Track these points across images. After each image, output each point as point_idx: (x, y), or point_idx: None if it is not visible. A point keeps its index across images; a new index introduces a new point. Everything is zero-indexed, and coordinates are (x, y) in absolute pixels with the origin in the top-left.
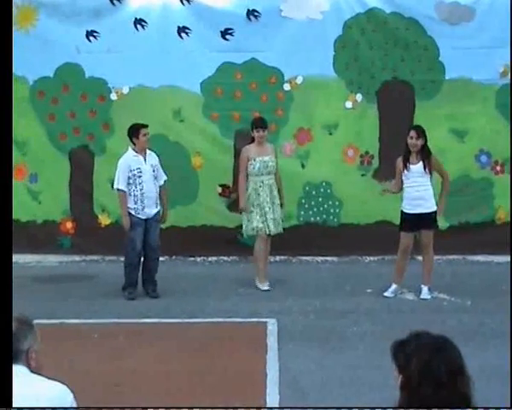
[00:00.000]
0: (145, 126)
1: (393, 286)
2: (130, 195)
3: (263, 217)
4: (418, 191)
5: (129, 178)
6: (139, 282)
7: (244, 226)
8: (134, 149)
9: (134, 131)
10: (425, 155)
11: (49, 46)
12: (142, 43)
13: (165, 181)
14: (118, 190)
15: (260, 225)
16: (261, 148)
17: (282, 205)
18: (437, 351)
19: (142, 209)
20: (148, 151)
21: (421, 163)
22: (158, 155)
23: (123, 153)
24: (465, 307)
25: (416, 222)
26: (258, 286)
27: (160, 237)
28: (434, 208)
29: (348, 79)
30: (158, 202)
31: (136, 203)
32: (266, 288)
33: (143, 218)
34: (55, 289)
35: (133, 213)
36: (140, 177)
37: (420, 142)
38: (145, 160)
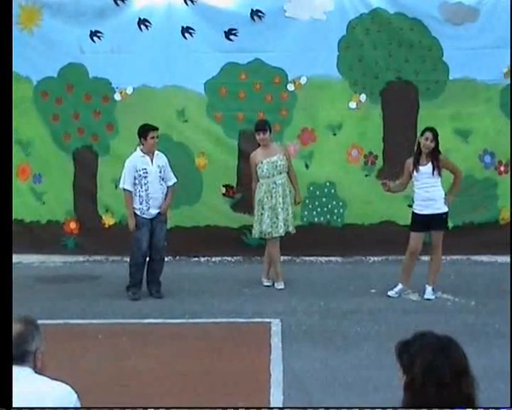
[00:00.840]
0: (155, 129)
1: (399, 286)
2: (135, 195)
3: (274, 219)
4: (427, 192)
5: (135, 178)
6: (143, 282)
7: (255, 228)
8: (142, 150)
9: (143, 132)
10: (434, 156)
11: (53, 46)
12: (146, 43)
13: (174, 183)
14: (123, 189)
15: (269, 230)
16: (267, 150)
17: (298, 202)
18: (441, 351)
19: (147, 210)
20: (156, 152)
21: (430, 164)
22: (167, 157)
23: (128, 153)
24: (469, 308)
25: (427, 222)
26: (275, 286)
27: (165, 239)
28: (445, 209)
29: (352, 79)
30: (162, 202)
31: (141, 204)
32: (280, 287)
33: (149, 218)
34: (58, 290)
35: (138, 213)
36: (145, 177)
37: (434, 144)
38: (152, 161)
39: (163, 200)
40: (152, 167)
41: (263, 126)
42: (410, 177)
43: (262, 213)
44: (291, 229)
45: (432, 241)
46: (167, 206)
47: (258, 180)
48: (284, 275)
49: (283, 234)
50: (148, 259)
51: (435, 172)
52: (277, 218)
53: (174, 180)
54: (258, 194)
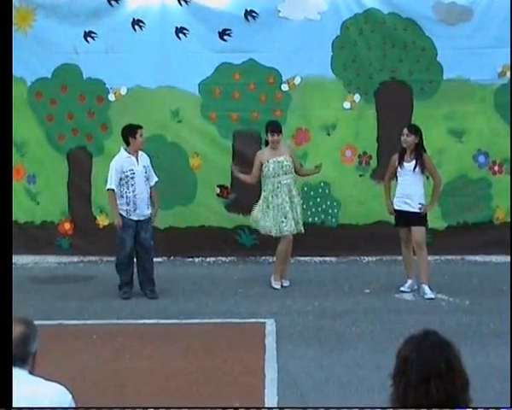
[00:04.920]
0: (141, 127)
1: (408, 282)
2: (122, 196)
3: (282, 218)
4: (405, 189)
5: (121, 179)
6: (137, 284)
7: (262, 225)
8: (126, 150)
9: (131, 132)
10: (419, 153)
11: (47, 47)
12: (139, 43)
13: (156, 182)
14: (110, 190)
15: (273, 228)
16: (275, 150)
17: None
18: (414, 349)
19: (134, 211)
20: (140, 152)
21: (413, 162)
22: (149, 156)
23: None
24: (463, 307)
25: (405, 219)
26: (271, 283)
27: (153, 237)
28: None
29: (346, 79)
30: (149, 203)
31: (128, 205)
32: (276, 286)
33: (135, 219)
34: (53, 290)
35: (124, 214)
36: (132, 178)
37: (412, 139)
38: (137, 161)
39: (148, 200)
40: (138, 168)
41: (277, 128)
42: (395, 173)
43: (267, 211)
44: (299, 228)
45: (413, 238)
46: (157, 208)
47: (260, 179)
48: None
49: (294, 232)
50: (137, 260)
51: (416, 169)
52: (286, 217)
53: (156, 179)
54: (264, 192)
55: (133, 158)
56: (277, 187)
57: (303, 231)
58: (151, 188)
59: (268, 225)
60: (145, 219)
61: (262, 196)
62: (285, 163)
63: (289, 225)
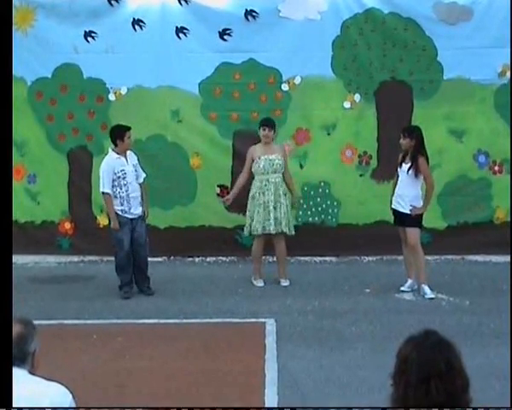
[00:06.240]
0: (129, 129)
1: (409, 281)
2: (116, 197)
3: (267, 216)
4: (400, 189)
5: (113, 180)
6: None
7: (247, 225)
8: (115, 151)
9: (119, 133)
10: (415, 156)
11: (48, 47)
12: (140, 43)
13: (144, 179)
14: (105, 193)
15: (257, 226)
16: (267, 147)
17: (293, 204)
18: (415, 349)
19: (129, 210)
20: (128, 151)
21: (409, 164)
22: (136, 154)
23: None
24: (464, 307)
25: (399, 219)
26: (253, 283)
27: (152, 236)
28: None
29: (346, 79)
30: (140, 200)
31: (122, 205)
32: (260, 284)
33: (130, 217)
34: (53, 290)
35: (120, 213)
36: (124, 178)
37: (406, 142)
38: (127, 160)
39: (140, 198)
40: (129, 167)
41: (268, 123)
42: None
43: (254, 211)
44: (286, 230)
45: (406, 238)
46: (148, 204)
47: (253, 176)
48: (276, 275)
49: (274, 232)
50: (133, 258)
51: (410, 172)
52: (269, 215)
53: (144, 175)
54: (252, 190)
55: (123, 158)
56: (265, 185)
57: (288, 232)
58: (140, 185)
59: (254, 224)
60: (138, 217)
61: (250, 197)
62: (276, 162)
63: (270, 225)
